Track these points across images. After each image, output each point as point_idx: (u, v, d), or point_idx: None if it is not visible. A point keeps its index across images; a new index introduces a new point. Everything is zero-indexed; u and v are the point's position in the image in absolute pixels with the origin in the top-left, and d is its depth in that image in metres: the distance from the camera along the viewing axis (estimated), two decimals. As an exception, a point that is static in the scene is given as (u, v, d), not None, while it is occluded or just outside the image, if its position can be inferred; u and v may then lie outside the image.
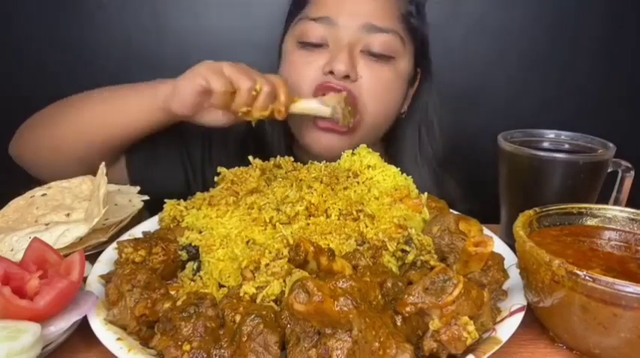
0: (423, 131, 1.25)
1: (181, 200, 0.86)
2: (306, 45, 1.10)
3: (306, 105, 1.02)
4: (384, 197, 0.82)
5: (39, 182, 0.99)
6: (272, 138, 1.22)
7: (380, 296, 0.60)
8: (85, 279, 0.69)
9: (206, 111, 0.98)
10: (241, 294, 0.65)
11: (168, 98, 0.96)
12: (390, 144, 1.26)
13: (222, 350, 0.58)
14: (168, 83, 0.97)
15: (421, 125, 1.25)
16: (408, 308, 0.57)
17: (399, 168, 0.89)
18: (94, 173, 0.92)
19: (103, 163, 0.87)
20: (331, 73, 1.05)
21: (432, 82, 1.25)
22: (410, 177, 0.89)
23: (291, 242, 0.71)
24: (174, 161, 1.16)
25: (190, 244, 0.75)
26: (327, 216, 0.78)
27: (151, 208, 0.94)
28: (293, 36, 1.13)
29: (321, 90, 1.06)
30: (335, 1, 1.10)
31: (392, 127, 1.23)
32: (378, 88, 1.09)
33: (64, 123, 1.04)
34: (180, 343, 0.58)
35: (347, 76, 1.05)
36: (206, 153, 1.19)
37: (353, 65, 1.06)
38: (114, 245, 0.77)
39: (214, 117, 1.00)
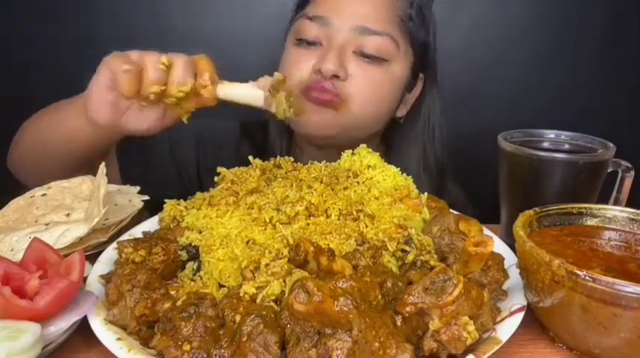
0: (426, 138, 1.24)
1: (181, 200, 0.86)
2: (302, 42, 1.10)
3: (236, 90, 0.86)
4: (384, 197, 0.82)
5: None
6: (273, 140, 1.22)
7: (380, 296, 0.60)
8: (85, 279, 0.69)
9: (130, 113, 0.87)
10: (241, 294, 0.65)
11: (86, 107, 0.88)
12: (391, 150, 1.25)
13: (222, 350, 0.58)
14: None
15: (424, 131, 1.23)
16: (408, 308, 0.57)
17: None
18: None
19: (103, 163, 0.87)
20: (320, 71, 1.05)
21: (437, 89, 1.24)
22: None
23: (291, 242, 0.71)
24: (170, 175, 1.15)
25: (190, 244, 0.75)
26: (327, 216, 0.78)
27: (151, 208, 0.94)
28: (292, 33, 1.14)
29: (309, 91, 1.06)
30: (332, 1, 1.10)
31: (391, 132, 1.22)
32: (368, 88, 1.08)
33: (31, 139, 1.03)
34: (180, 343, 0.58)
35: (336, 76, 1.05)
36: (201, 164, 1.18)
37: (342, 65, 1.05)
38: (114, 245, 0.77)
39: (140, 121, 0.88)
